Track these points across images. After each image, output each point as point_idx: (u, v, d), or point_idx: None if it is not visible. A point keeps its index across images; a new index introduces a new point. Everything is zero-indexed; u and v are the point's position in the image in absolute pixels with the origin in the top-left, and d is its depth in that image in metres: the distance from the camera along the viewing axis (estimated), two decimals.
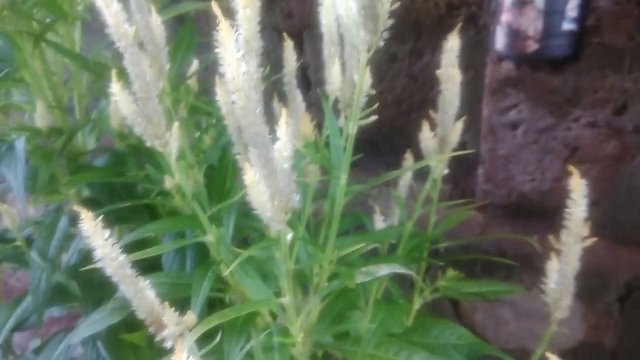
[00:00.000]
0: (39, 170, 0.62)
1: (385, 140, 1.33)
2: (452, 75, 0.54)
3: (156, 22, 0.53)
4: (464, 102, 1.30)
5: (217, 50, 0.31)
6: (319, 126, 0.58)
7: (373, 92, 0.43)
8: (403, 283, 0.79)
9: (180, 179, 0.48)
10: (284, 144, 0.35)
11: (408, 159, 0.69)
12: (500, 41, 1.07)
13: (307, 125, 0.56)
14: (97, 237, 0.37)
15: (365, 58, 0.42)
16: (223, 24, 0.31)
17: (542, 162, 1.13)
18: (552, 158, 1.12)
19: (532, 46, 1.05)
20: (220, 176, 0.57)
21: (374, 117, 0.45)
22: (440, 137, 0.56)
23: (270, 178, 0.35)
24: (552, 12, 0.99)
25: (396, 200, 0.63)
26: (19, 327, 0.68)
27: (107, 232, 0.38)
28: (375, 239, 0.59)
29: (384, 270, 0.48)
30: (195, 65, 0.78)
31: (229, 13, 0.47)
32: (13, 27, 0.63)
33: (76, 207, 0.36)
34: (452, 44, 0.53)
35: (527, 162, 1.14)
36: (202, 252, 0.63)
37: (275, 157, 0.35)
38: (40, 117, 0.64)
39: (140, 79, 0.42)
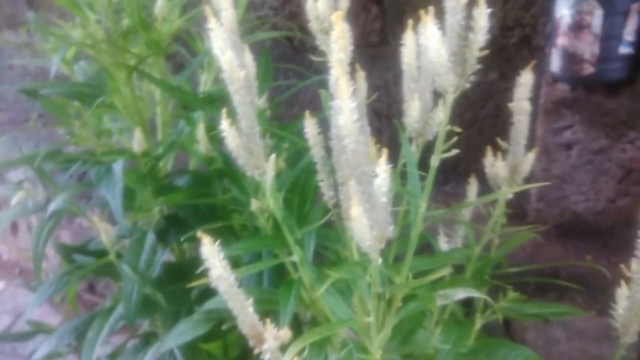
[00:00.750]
0: (137, 191, 0.67)
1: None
2: (524, 108, 0.57)
3: (248, 59, 0.58)
4: None
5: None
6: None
7: (458, 130, 0.47)
8: (462, 306, 0.81)
9: (272, 205, 0.52)
10: (384, 180, 0.39)
11: (472, 184, 0.72)
12: (555, 63, 1.09)
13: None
14: (214, 259, 0.42)
15: (451, 98, 0.46)
16: (342, 79, 0.35)
17: (596, 182, 1.14)
18: (607, 179, 1.13)
19: (588, 69, 1.06)
20: (301, 200, 0.61)
21: (455, 151, 0.48)
22: (511, 166, 0.59)
23: (371, 211, 0.39)
24: (609, 37, 1.01)
25: (463, 224, 0.66)
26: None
27: (222, 255, 0.42)
28: (445, 261, 0.62)
29: (461, 293, 0.51)
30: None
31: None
32: (109, 58, 0.69)
33: (199, 234, 0.41)
34: (526, 79, 0.56)
35: (581, 183, 1.15)
36: (277, 271, 0.67)
37: (375, 193, 0.39)
38: (137, 143, 0.70)
39: (246, 118, 0.47)
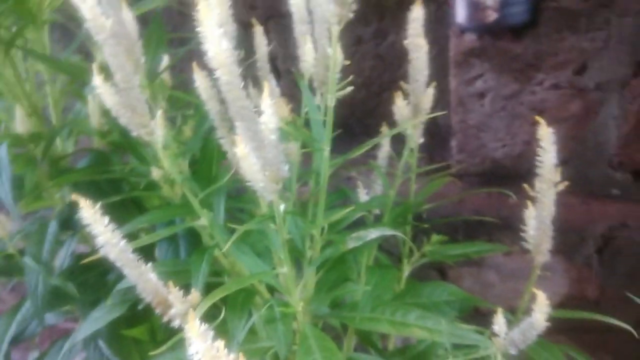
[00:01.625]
0: (25, 176, 0.62)
1: (359, 122, 1.35)
2: (419, 44, 0.56)
3: (127, 16, 0.54)
4: (432, 77, 1.33)
5: (194, 36, 0.33)
6: (294, 111, 0.59)
7: (347, 62, 0.45)
8: (391, 256, 0.81)
9: (168, 167, 0.49)
10: (269, 116, 0.37)
11: (384, 131, 0.71)
12: (461, 14, 1.10)
13: (283, 108, 0.57)
14: (98, 224, 0.38)
15: (337, 31, 0.44)
16: (202, 3, 0.32)
17: (511, 127, 1.17)
18: (521, 122, 1.16)
19: (492, 15, 1.08)
20: (206, 162, 0.59)
21: (350, 89, 0.47)
22: (413, 105, 0.58)
23: (259, 150, 0.37)
24: None
25: (377, 170, 0.65)
26: (19, 336, 0.68)
27: (106, 219, 0.39)
28: (362, 209, 0.61)
29: (373, 234, 0.50)
30: (166, 60, 0.78)
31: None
32: None
33: (74, 196, 0.37)
34: (416, 13, 0.55)
35: (497, 129, 1.18)
36: (194, 240, 0.64)
37: (262, 130, 0.37)
38: (20, 124, 0.64)
39: (121, 70, 0.43)
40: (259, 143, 0.37)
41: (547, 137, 0.49)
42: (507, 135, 1.19)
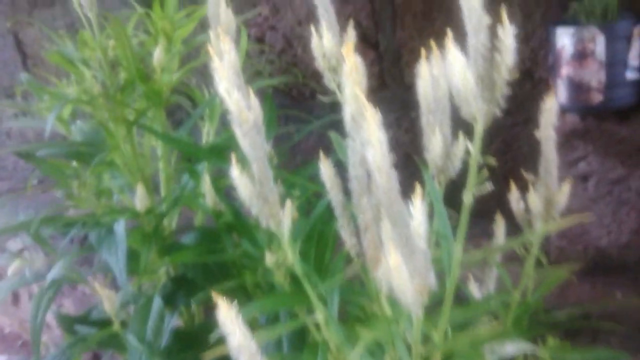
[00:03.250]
0: (141, 253, 0.63)
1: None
2: (551, 136, 0.53)
3: (255, 102, 0.55)
4: (526, 156, 1.28)
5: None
6: None
7: (493, 163, 0.43)
8: None
9: (291, 257, 0.48)
10: (421, 220, 0.35)
11: (499, 223, 0.67)
12: (562, 94, 1.07)
13: None
14: (233, 325, 0.37)
15: (481, 127, 0.42)
16: (367, 107, 0.31)
17: (618, 214, 1.09)
18: (628, 209, 1.08)
19: (597, 97, 1.04)
20: (319, 250, 0.57)
21: (489, 186, 0.44)
22: (545, 199, 0.55)
23: (410, 258, 0.34)
24: (614, 63, 0.99)
25: (497, 267, 0.61)
26: None
27: (242, 321, 0.37)
28: (482, 310, 0.56)
29: (509, 348, 0.45)
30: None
31: None
32: (106, 114, 0.66)
33: (215, 295, 0.36)
34: (550, 104, 0.53)
35: (602, 215, 1.11)
36: (298, 333, 0.61)
37: (414, 236, 0.35)
38: (140, 200, 0.66)
39: (259, 162, 0.43)
40: (410, 251, 0.34)
41: None
42: (613, 223, 1.11)
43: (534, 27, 1.12)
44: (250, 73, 0.97)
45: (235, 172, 0.43)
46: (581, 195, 1.12)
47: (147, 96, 0.66)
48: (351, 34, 0.55)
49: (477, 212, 0.79)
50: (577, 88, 1.05)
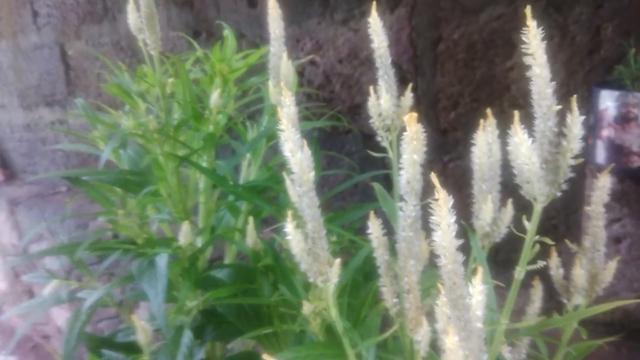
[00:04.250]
0: (182, 288, 0.63)
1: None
2: (601, 212, 0.53)
3: (307, 154, 0.56)
4: (558, 211, 1.27)
5: (432, 219, 0.32)
6: None
7: (549, 241, 0.43)
8: None
9: (334, 314, 0.48)
10: (479, 302, 0.35)
11: (537, 289, 0.67)
12: (601, 155, 1.06)
13: None
14: None
15: (540, 207, 0.42)
16: (441, 193, 0.32)
17: None
18: None
19: (637, 162, 1.03)
20: (357, 305, 0.57)
21: (542, 263, 0.44)
22: (590, 275, 0.54)
23: (466, 340, 0.35)
24: None
25: (537, 339, 0.60)
26: None
27: None
28: None
29: None
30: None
31: None
32: (159, 148, 0.68)
33: (265, 356, 0.36)
34: (604, 182, 0.53)
35: (632, 279, 1.09)
36: None
37: (472, 319, 0.35)
38: (184, 236, 0.67)
39: (314, 221, 0.44)
40: (468, 334, 0.34)
41: None
42: None
43: (576, 86, 1.12)
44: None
45: (290, 228, 0.44)
46: (613, 257, 1.11)
47: (204, 138, 0.67)
48: (409, 97, 0.56)
49: (505, 262, 0.78)
50: (618, 150, 1.04)
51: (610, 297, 1.12)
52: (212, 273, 0.72)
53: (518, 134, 0.39)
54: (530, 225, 0.42)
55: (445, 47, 1.24)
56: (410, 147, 0.46)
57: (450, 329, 0.33)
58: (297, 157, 0.42)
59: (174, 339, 0.66)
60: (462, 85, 1.24)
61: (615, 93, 1.00)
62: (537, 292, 0.67)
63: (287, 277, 0.60)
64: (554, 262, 0.63)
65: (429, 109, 1.33)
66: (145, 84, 0.69)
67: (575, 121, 0.39)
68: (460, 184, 1.27)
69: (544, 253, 0.69)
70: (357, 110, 1.44)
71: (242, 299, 0.63)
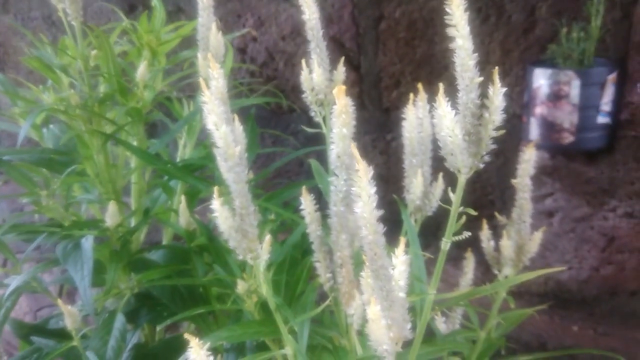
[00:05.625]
0: (108, 270, 0.61)
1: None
2: (527, 185, 0.54)
3: (239, 131, 0.54)
4: (495, 188, 1.30)
5: (353, 188, 0.32)
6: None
7: (474, 212, 0.43)
8: None
9: (266, 291, 0.47)
10: (402, 272, 0.35)
11: (469, 260, 0.69)
12: (534, 132, 1.09)
13: None
14: (200, 357, 0.36)
15: (464, 179, 0.43)
16: (361, 164, 0.32)
17: (580, 251, 1.12)
18: (590, 247, 1.12)
19: (568, 138, 1.07)
20: (292, 282, 0.56)
21: (467, 234, 0.45)
22: (517, 246, 0.56)
23: (389, 310, 0.35)
24: (586, 107, 1.02)
25: (468, 309, 0.62)
26: None
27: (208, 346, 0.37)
28: (448, 347, 0.57)
29: None
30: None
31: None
32: (83, 125, 0.65)
33: (187, 335, 0.35)
34: (529, 155, 0.54)
35: (564, 251, 1.14)
36: None
37: (394, 289, 0.35)
38: (111, 217, 0.64)
39: (242, 197, 0.42)
40: (390, 303, 0.35)
41: None
42: (575, 258, 1.14)
43: (511, 65, 1.15)
44: (230, 87, 0.96)
45: (216, 205, 0.43)
46: (546, 230, 1.15)
47: (128, 113, 0.64)
48: (341, 72, 0.56)
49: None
50: (550, 127, 1.08)
51: (543, 267, 1.17)
52: (145, 255, 0.70)
53: (442, 106, 0.39)
54: (455, 197, 0.43)
55: (386, 26, 1.24)
56: (340, 120, 0.45)
57: (373, 299, 0.33)
58: (222, 130, 0.41)
59: (105, 323, 0.64)
60: (403, 64, 1.24)
61: (548, 71, 1.03)
62: (470, 264, 0.69)
63: (222, 257, 0.59)
64: (485, 234, 0.65)
65: (372, 88, 1.33)
66: (68, 57, 0.65)
67: (497, 93, 0.39)
68: (402, 162, 1.28)
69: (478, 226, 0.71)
70: (301, 88, 1.42)
71: (175, 280, 0.62)
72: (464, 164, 0.41)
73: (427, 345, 0.56)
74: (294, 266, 0.59)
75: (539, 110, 1.07)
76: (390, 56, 1.25)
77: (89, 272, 0.58)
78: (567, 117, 1.05)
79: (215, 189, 0.42)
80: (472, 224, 0.66)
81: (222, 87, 0.51)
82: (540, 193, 1.13)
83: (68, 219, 0.68)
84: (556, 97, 1.05)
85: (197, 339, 0.37)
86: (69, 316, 0.58)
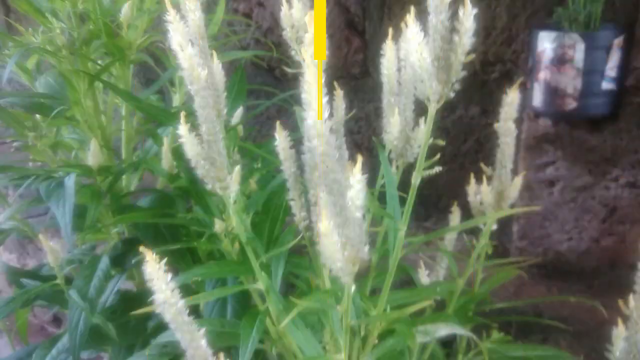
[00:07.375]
0: (88, 208, 0.61)
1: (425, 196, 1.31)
2: (510, 129, 0.53)
3: (217, 67, 0.54)
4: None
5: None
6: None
7: (442, 143, 0.42)
8: (443, 348, 0.75)
9: (236, 224, 0.47)
10: (358, 191, 0.35)
11: (455, 213, 0.68)
12: (537, 98, 1.07)
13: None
14: (160, 280, 0.36)
15: (434, 108, 0.42)
16: (309, 71, 0.31)
17: (580, 221, 1.10)
18: (590, 218, 1.09)
19: (571, 104, 1.04)
20: (270, 221, 0.56)
21: (438, 169, 0.44)
22: (497, 192, 0.55)
23: (343, 227, 0.34)
24: (591, 72, 0.99)
25: (445, 254, 0.61)
26: None
27: (169, 277, 0.37)
28: (426, 295, 0.57)
29: (442, 330, 0.45)
30: (240, 110, 0.78)
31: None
32: (70, 66, 0.65)
33: (142, 249, 0.35)
34: (512, 98, 0.53)
35: (564, 221, 1.12)
36: (243, 299, 0.61)
37: (349, 207, 0.34)
38: (93, 156, 0.64)
39: (208, 122, 0.42)
40: (344, 220, 0.34)
41: None
42: (575, 229, 1.12)
43: (518, 30, 1.12)
44: (222, 35, 0.95)
45: (183, 130, 0.42)
46: (546, 199, 1.14)
47: (110, 50, 0.64)
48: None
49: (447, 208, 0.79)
50: (553, 93, 1.05)
51: (543, 238, 1.15)
52: (133, 200, 0.71)
53: (410, 29, 0.38)
54: (425, 128, 0.42)
55: None
56: (311, 49, 0.44)
57: (324, 212, 0.33)
58: (187, 52, 0.40)
59: (89, 264, 0.64)
60: None
61: (553, 34, 1.00)
62: (456, 218, 0.68)
63: (203, 199, 0.59)
64: (472, 188, 0.64)
65: (377, 55, 1.31)
66: (58, 1, 0.65)
67: (468, 14, 0.38)
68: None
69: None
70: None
71: (154, 220, 0.62)
72: (433, 91, 0.40)
73: (403, 292, 0.56)
74: (275, 211, 0.59)
75: (543, 75, 1.05)
76: (397, 22, 1.23)
77: (69, 208, 0.59)
78: (571, 82, 1.02)
79: (182, 113, 0.42)
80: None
81: (199, 19, 0.50)
82: (541, 161, 1.11)
83: (57, 163, 0.68)
84: (560, 61, 1.02)
85: (157, 262, 0.37)
86: (51, 253, 0.59)
